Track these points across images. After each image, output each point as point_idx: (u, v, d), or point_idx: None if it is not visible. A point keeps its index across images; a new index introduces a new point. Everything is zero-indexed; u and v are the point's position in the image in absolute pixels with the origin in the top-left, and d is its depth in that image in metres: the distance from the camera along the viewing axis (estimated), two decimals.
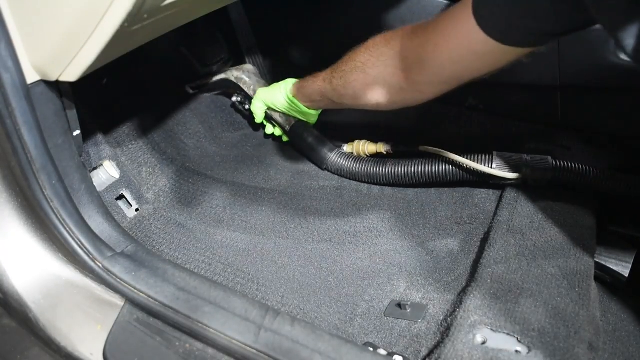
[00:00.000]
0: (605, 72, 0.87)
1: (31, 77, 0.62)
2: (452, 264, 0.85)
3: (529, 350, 0.60)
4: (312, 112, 1.05)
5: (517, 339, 0.61)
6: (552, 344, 0.60)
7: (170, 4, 0.60)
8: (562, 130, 0.97)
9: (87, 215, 0.72)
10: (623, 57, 0.83)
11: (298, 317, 0.73)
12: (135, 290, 0.66)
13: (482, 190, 0.97)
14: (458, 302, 0.71)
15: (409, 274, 0.84)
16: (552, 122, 0.98)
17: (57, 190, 0.66)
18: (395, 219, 0.95)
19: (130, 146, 1.02)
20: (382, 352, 0.67)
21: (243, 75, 1.22)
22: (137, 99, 1.13)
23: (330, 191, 1.05)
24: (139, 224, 0.93)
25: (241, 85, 1.21)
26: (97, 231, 0.72)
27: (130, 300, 0.66)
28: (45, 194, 0.66)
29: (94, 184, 0.77)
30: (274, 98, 1.06)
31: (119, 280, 0.67)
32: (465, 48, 0.66)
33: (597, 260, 0.78)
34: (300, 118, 1.09)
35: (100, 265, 0.67)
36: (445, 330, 0.67)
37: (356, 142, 1.09)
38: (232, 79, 1.23)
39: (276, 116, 1.12)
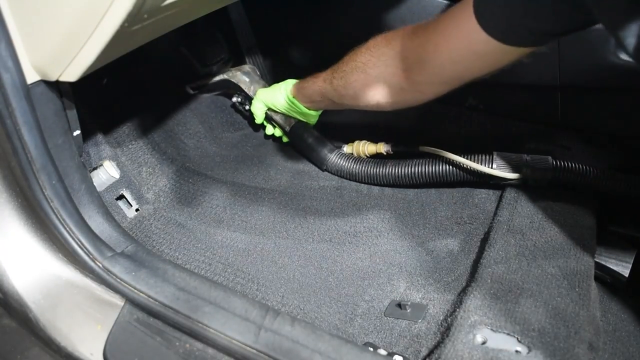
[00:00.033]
0: (605, 72, 0.87)
1: (31, 77, 0.61)
2: (452, 264, 0.85)
3: (529, 350, 0.60)
4: (313, 112, 1.05)
5: (517, 339, 0.61)
6: (552, 344, 0.60)
7: (170, 4, 0.60)
8: (562, 130, 0.97)
9: (87, 215, 0.72)
10: (623, 56, 0.83)
11: (298, 317, 0.73)
12: (135, 290, 0.66)
13: (482, 190, 0.97)
14: (458, 302, 0.71)
15: (409, 274, 0.84)
16: (552, 122, 0.98)
17: (57, 190, 0.66)
18: (395, 219, 0.95)
19: (130, 146, 1.02)
20: (382, 352, 0.67)
21: (243, 75, 1.22)
22: (137, 99, 1.13)
23: (330, 191, 1.05)
24: (139, 224, 0.93)
25: (241, 85, 1.21)
26: (97, 231, 0.72)
27: (130, 300, 0.66)
28: (45, 194, 0.66)
29: (94, 184, 0.77)
30: (274, 99, 1.06)
31: (119, 280, 0.67)
32: (466, 48, 0.66)
33: (597, 260, 0.78)
34: (301, 119, 1.09)
35: (100, 265, 0.67)
36: (445, 330, 0.67)
37: (356, 142, 1.09)
38: (233, 79, 1.23)
39: (276, 117, 1.12)
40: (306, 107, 1.03)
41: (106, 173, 0.95)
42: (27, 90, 0.61)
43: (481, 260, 0.76)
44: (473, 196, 0.97)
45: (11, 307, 0.70)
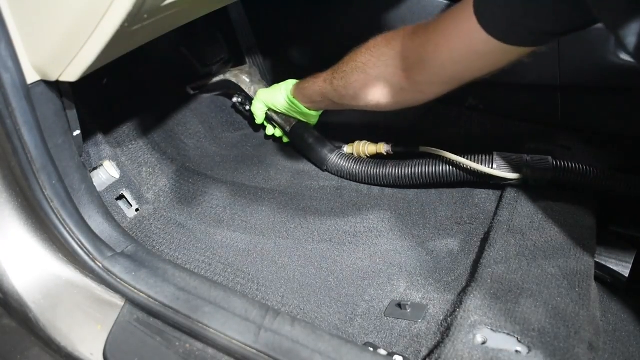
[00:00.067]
0: (605, 72, 0.87)
1: (31, 77, 0.61)
2: (452, 264, 0.85)
3: (529, 350, 0.60)
4: (313, 113, 1.05)
5: (517, 339, 0.61)
6: (552, 344, 0.60)
7: (170, 4, 0.60)
8: (562, 130, 0.97)
9: (87, 216, 0.72)
10: (624, 56, 0.83)
11: (298, 317, 0.73)
12: (135, 290, 0.66)
13: (482, 190, 0.97)
14: (458, 302, 0.71)
15: (409, 274, 0.84)
16: (552, 122, 0.98)
17: (57, 190, 0.66)
18: (395, 219, 0.95)
19: (130, 146, 1.02)
20: (382, 352, 0.67)
21: (243, 76, 1.22)
22: (137, 99, 1.13)
23: (331, 191, 1.05)
24: (139, 224, 0.93)
25: (242, 86, 1.21)
26: (97, 231, 0.72)
27: (130, 300, 0.66)
28: (46, 194, 0.66)
29: (94, 184, 0.77)
30: (274, 99, 1.06)
31: (119, 280, 0.67)
32: (466, 48, 0.66)
33: (597, 260, 0.78)
34: (301, 119, 1.09)
35: (101, 265, 0.67)
36: (446, 330, 0.67)
37: (356, 142, 1.09)
38: (233, 79, 1.23)
39: (276, 117, 1.12)
40: (306, 108, 1.03)
41: (106, 173, 0.95)
42: (27, 90, 0.61)
43: (481, 260, 0.76)
44: (473, 196, 0.97)
45: (11, 307, 0.70)
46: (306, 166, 1.14)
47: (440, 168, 0.93)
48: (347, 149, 1.10)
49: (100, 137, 0.96)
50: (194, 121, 1.22)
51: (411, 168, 0.96)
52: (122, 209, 0.94)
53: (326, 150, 1.08)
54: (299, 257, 0.89)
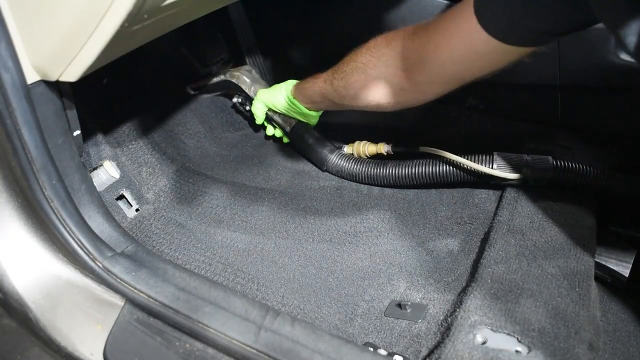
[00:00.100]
0: (605, 72, 0.87)
1: (31, 77, 0.61)
2: (452, 264, 0.85)
3: (529, 350, 0.60)
4: (313, 113, 1.05)
5: (517, 339, 0.61)
6: (552, 344, 0.60)
7: (171, 4, 0.60)
8: (562, 130, 0.97)
9: (87, 216, 0.72)
10: (624, 56, 0.83)
11: (298, 317, 0.73)
12: (136, 290, 0.66)
13: (483, 190, 0.97)
14: (458, 302, 0.71)
15: (409, 274, 0.84)
16: (552, 122, 0.98)
17: (57, 190, 0.66)
18: (395, 219, 0.95)
19: (130, 146, 1.02)
20: (382, 352, 0.67)
21: (243, 76, 1.22)
22: (137, 99, 1.13)
23: (331, 191, 1.05)
24: (139, 224, 0.93)
25: (242, 86, 1.21)
26: (97, 231, 0.72)
27: (131, 300, 0.66)
28: (46, 194, 0.66)
29: (94, 184, 0.77)
30: (274, 99, 1.06)
31: (119, 280, 0.67)
32: (466, 48, 0.66)
33: (597, 260, 0.78)
34: (301, 119, 1.09)
35: (101, 265, 0.67)
36: (446, 330, 0.67)
37: (356, 143, 1.09)
38: (233, 80, 1.23)
39: (277, 117, 1.12)
40: (307, 108, 1.03)
41: (106, 173, 0.95)
42: (27, 90, 0.61)
43: (481, 260, 0.76)
44: (473, 196, 0.97)
45: (11, 307, 0.70)
46: (306, 166, 1.14)
47: (441, 168, 0.93)
48: (347, 149, 1.10)
49: (100, 137, 0.96)
50: (194, 121, 1.22)
51: (411, 168, 0.96)
52: (122, 209, 0.94)
53: (326, 151, 1.08)
54: (299, 257, 0.89)
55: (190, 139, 1.19)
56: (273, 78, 1.32)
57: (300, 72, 1.03)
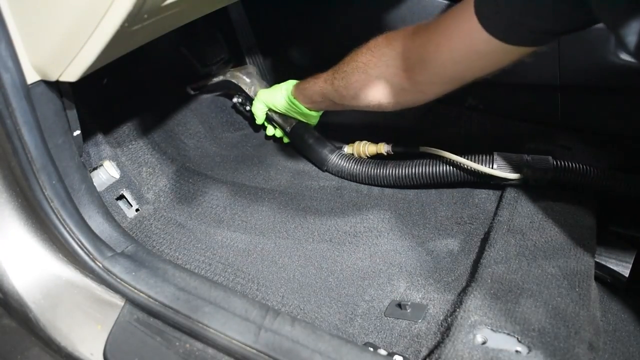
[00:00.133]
0: (605, 72, 0.87)
1: (31, 77, 0.62)
2: (452, 264, 0.85)
3: (529, 350, 0.60)
4: (313, 113, 1.05)
5: (517, 339, 0.61)
6: (552, 344, 0.60)
7: (171, 4, 0.60)
8: (562, 130, 0.97)
9: (87, 216, 0.72)
10: (624, 56, 0.83)
11: (298, 317, 0.73)
12: (136, 290, 0.66)
13: (483, 190, 0.97)
14: (458, 302, 0.71)
15: (409, 274, 0.84)
16: (552, 122, 0.98)
17: (57, 190, 0.66)
18: (395, 219, 0.95)
19: (130, 146, 1.02)
20: (382, 352, 0.67)
21: (244, 76, 1.22)
22: (137, 99, 1.13)
23: (331, 191, 1.05)
24: (139, 224, 0.93)
25: (242, 86, 1.21)
26: (97, 231, 0.72)
27: (131, 300, 0.66)
28: (46, 194, 0.66)
29: (94, 184, 0.77)
30: (274, 99, 1.06)
31: (119, 280, 0.67)
32: (467, 47, 0.66)
33: (597, 260, 0.78)
34: (301, 119, 1.09)
35: (101, 265, 0.67)
36: (446, 330, 0.67)
37: (357, 143, 1.09)
38: (233, 80, 1.23)
39: (277, 117, 1.12)
40: (307, 108, 1.03)
41: (106, 173, 0.95)
42: (27, 90, 0.61)
43: (481, 260, 0.76)
44: (473, 196, 0.97)
45: (11, 307, 0.70)
46: (306, 166, 1.14)
47: (441, 168, 0.93)
48: (347, 149, 1.10)
49: (100, 137, 0.96)
50: (194, 121, 1.22)
51: (411, 168, 0.96)
52: (122, 209, 0.94)
53: (326, 151, 1.08)
54: (299, 257, 0.89)
55: (190, 139, 1.19)
56: (273, 78, 1.32)
57: (301, 72, 1.03)
